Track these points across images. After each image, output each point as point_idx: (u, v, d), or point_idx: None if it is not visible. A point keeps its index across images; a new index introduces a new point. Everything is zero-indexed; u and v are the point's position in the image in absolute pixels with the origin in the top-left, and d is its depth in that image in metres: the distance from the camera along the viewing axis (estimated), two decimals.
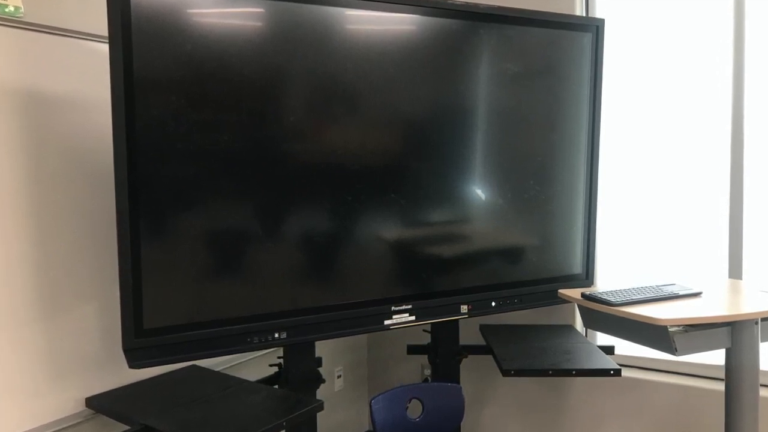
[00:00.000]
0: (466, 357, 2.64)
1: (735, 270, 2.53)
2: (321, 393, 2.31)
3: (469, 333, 2.94)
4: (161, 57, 1.80)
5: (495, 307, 2.46)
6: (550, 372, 2.23)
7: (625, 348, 2.73)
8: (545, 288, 2.53)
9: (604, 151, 2.75)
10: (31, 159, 1.86)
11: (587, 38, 2.52)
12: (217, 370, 2.30)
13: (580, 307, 2.12)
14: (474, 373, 3.07)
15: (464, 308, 2.40)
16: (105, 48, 2.02)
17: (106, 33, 2.01)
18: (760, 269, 2.50)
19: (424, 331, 2.61)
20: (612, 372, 2.22)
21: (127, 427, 1.81)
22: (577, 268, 2.62)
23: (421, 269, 2.31)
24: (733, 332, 1.89)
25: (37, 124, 1.87)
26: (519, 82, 2.42)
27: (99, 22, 2.00)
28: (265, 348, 2.09)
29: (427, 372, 3.19)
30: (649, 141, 2.73)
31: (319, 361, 2.30)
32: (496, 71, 2.37)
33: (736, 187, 2.51)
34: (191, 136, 1.87)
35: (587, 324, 2.15)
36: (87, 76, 1.98)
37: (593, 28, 2.53)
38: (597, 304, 1.99)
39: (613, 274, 2.84)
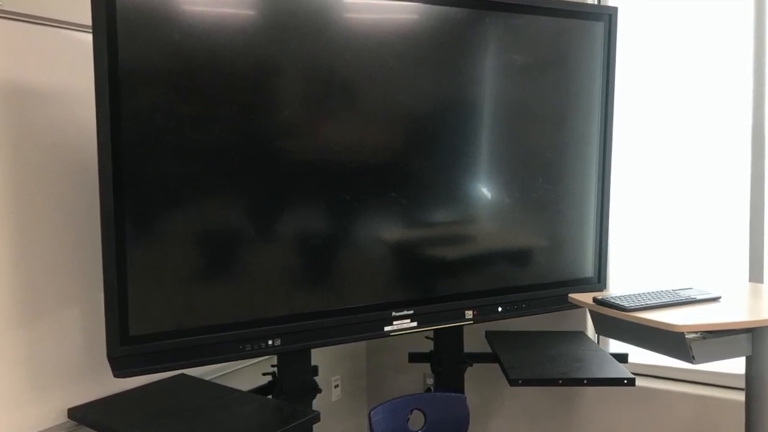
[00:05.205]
0: (471, 365, 2.64)
1: (756, 273, 2.53)
2: (317, 404, 2.31)
3: (474, 340, 2.94)
4: (148, 47, 1.80)
5: (501, 312, 2.46)
6: (560, 381, 2.23)
7: (639, 356, 2.73)
8: (555, 292, 2.53)
9: (617, 148, 2.75)
10: (10, 155, 1.85)
11: (599, 27, 2.52)
12: (207, 379, 2.30)
13: (592, 313, 2.12)
14: (479, 382, 3.07)
15: (469, 314, 2.40)
16: (88, 38, 2.02)
17: (89, 22, 2.00)
18: None
19: (427, 338, 2.61)
20: (626, 381, 2.22)
21: None
22: (589, 271, 2.62)
23: (423, 272, 2.31)
24: (753, 339, 1.89)
25: (16, 118, 1.86)
26: (527, 74, 2.42)
27: (82, 10, 2.00)
28: (258, 356, 2.09)
29: (430, 381, 3.19)
30: (665, 137, 2.73)
31: (315, 370, 2.30)
32: (503, 63, 2.37)
33: (757, 186, 2.51)
34: (180, 131, 1.87)
35: (599, 330, 2.15)
36: (69, 67, 1.98)
37: (606, 16, 2.53)
38: (609, 310, 1.99)
39: (626, 278, 2.84)
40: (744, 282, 2.45)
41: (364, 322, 2.21)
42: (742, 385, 2.48)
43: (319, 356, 3.02)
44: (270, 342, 2.05)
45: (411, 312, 2.29)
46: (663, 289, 2.12)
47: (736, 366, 2.49)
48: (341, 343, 2.21)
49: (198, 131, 1.90)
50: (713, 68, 2.61)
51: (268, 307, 2.05)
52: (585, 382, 2.23)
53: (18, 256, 1.88)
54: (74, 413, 1.99)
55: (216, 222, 1.95)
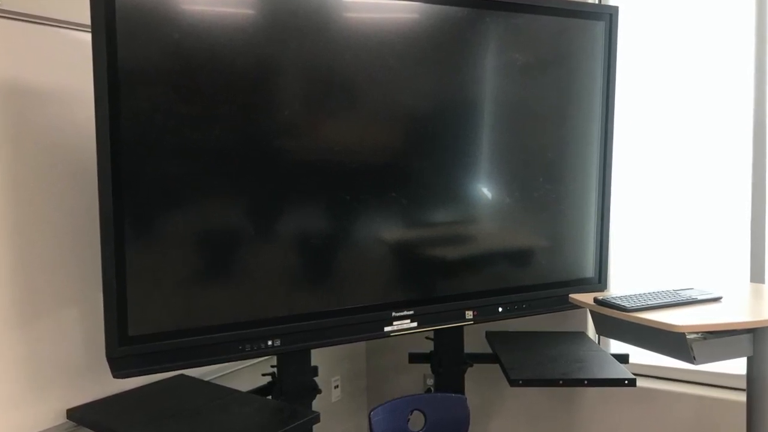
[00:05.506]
0: (472, 366, 2.64)
1: (757, 273, 2.53)
2: (317, 404, 2.31)
3: (475, 340, 2.94)
4: (147, 47, 1.80)
5: (502, 312, 2.45)
6: (561, 382, 2.23)
7: (640, 356, 2.73)
8: (555, 292, 2.53)
9: (618, 147, 2.75)
10: (9, 154, 1.85)
11: (600, 27, 2.52)
12: (206, 379, 2.30)
13: (593, 313, 2.12)
14: (480, 383, 3.07)
15: (469, 314, 2.40)
16: (88, 37, 2.02)
17: (89, 21, 2.00)
18: None
19: (427, 338, 2.61)
20: (626, 382, 2.22)
21: None
22: (589, 271, 2.61)
23: (423, 272, 2.31)
24: (755, 339, 1.89)
25: (14, 118, 1.87)
26: (528, 73, 2.42)
27: (81, 10, 2.00)
28: (258, 356, 2.09)
29: (430, 382, 3.19)
30: (666, 136, 2.73)
31: (315, 371, 2.30)
32: (504, 62, 2.37)
33: (758, 186, 2.51)
34: (179, 131, 1.87)
35: (600, 331, 2.15)
36: (69, 66, 1.98)
37: (606, 16, 2.53)
38: (610, 310, 1.99)
39: (627, 278, 2.84)
40: (745, 282, 2.45)
41: (363, 323, 2.21)
42: (744, 385, 2.49)
43: (318, 357, 3.02)
44: (270, 342, 2.05)
45: (411, 312, 2.29)
46: (664, 290, 2.12)
47: (738, 366, 2.50)
48: (341, 344, 2.21)
49: (198, 131, 1.90)
50: (714, 68, 2.61)
51: (268, 308, 2.05)
52: (586, 382, 2.23)
53: (17, 256, 1.88)
54: (73, 414, 1.99)
55: (216, 222, 1.95)
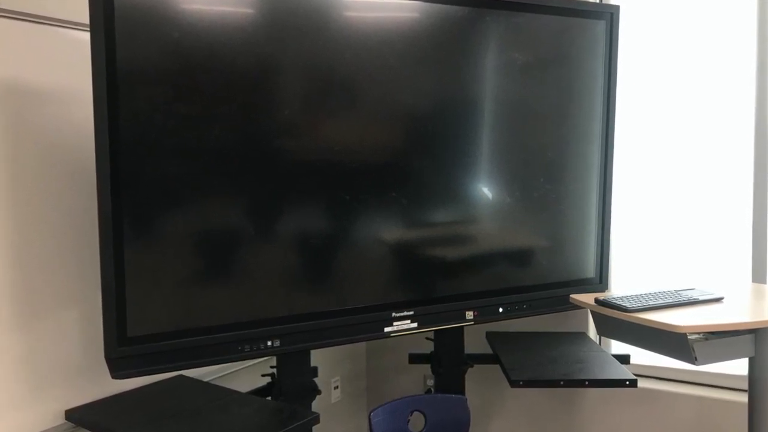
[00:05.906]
0: (472, 366, 2.63)
1: (759, 274, 2.53)
2: (317, 405, 2.31)
3: (475, 341, 2.94)
4: (147, 46, 1.80)
5: (502, 313, 2.45)
6: (562, 383, 2.23)
7: (641, 357, 2.72)
8: (556, 293, 2.53)
9: (619, 147, 2.75)
10: (7, 155, 1.85)
11: (601, 26, 2.52)
12: (205, 380, 2.30)
13: (594, 314, 2.12)
14: (480, 383, 3.07)
15: (470, 314, 2.40)
16: (87, 37, 2.02)
17: (87, 20, 2.00)
18: None
19: (427, 338, 2.61)
20: (627, 383, 2.21)
21: None
22: (590, 271, 2.61)
23: (423, 273, 2.31)
24: (756, 340, 1.88)
25: (13, 117, 1.86)
26: (528, 73, 2.41)
27: (80, 9, 1.99)
28: (257, 357, 2.09)
29: (430, 383, 3.19)
30: (667, 136, 2.72)
31: (314, 371, 2.30)
32: (504, 62, 2.37)
33: (759, 186, 2.51)
34: (179, 130, 1.87)
35: (601, 331, 2.15)
36: (68, 66, 1.98)
37: (607, 15, 2.52)
38: (611, 310, 1.99)
39: (628, 278, 2.84)
40: (747, 282, 2.45)
41: (363, 323, 2.21)
42: (745, 386, 2.48)
43: (318, 357, 3.02)
44: (269, 343, 2.05)
45: (411, 313, 2.28)
46: (665, 290, 2.12)
47: (739, 367, 2.49)
48: (341, 344, 2.21)
49: (197, 131, 1.90)
50: (716, 67, 2.61)
51: (268, 308, 2.05)
52: (586, 383, 2.22)
53: (15, 256, 1.88)
54: (72, 415, 1.98)
55: (215, 222, 1.95)
